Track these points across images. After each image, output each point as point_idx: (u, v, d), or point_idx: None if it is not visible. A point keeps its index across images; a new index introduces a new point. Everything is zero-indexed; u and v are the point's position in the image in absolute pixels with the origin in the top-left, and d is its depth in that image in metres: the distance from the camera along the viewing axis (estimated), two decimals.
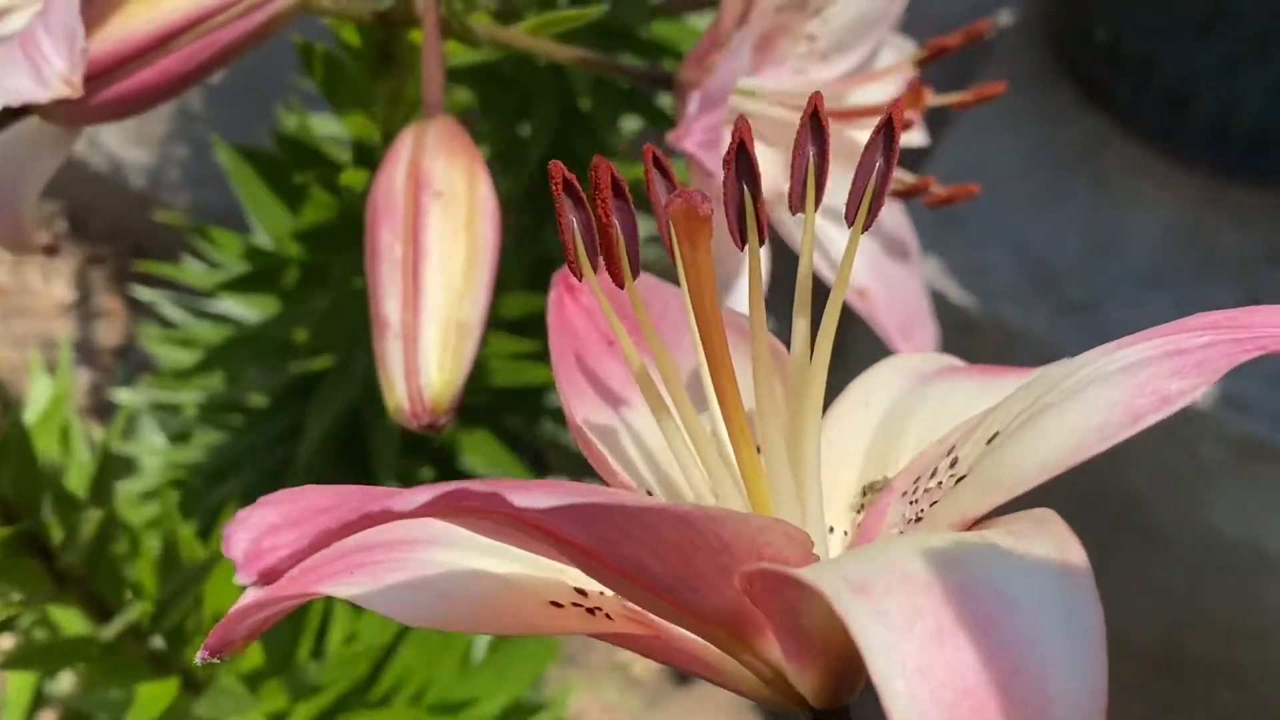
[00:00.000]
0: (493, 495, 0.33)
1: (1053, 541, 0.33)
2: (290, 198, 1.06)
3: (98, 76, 0.61)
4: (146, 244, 2.33)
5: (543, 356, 1.29)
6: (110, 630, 0.90)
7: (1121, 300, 1.73)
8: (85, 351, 2.26)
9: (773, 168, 0.72)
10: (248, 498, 1.42)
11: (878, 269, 0.73)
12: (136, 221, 2.28)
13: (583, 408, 0.49)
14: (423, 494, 0.33)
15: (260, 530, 0.35)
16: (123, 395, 1.65)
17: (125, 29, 0.61)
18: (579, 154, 1.26)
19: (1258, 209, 1.76)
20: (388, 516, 0.34)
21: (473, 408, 1.30)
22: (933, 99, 0.67)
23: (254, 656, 1.11)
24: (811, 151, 0.45)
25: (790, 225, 0.70)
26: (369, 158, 0.96)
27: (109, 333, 2.28)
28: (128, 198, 2.25)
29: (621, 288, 0.46)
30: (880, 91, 0.74)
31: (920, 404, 0.51)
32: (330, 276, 1.13)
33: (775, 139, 0.73)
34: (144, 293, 1.50)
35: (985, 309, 1.71)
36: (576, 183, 0.42)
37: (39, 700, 1.42)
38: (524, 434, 1.45)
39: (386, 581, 0.41)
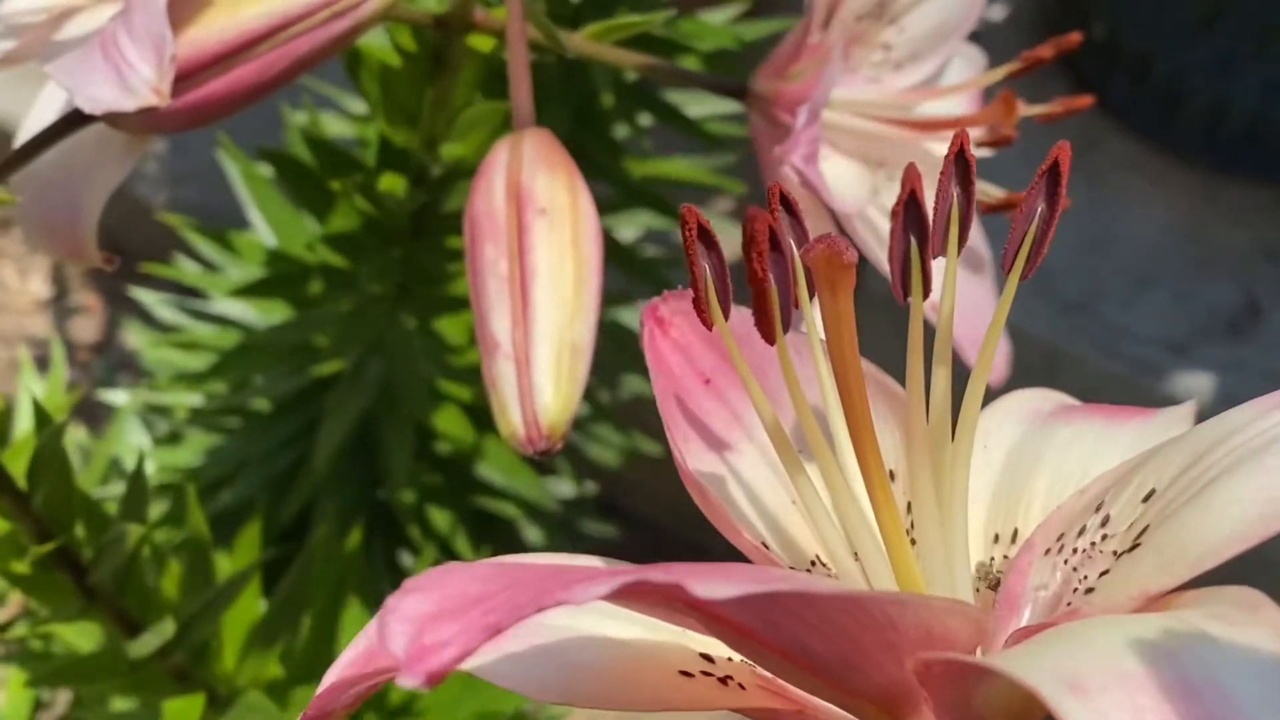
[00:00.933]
0: (675, 585, 0.31)
1: (1273, 633, 0.32)
2: (316, 202, 1.04)
3: (173, 83, 0.59)
4: (125, 240, 2.28)
5: None
6: (144, 647, 0.88)
7: (1118, 299, 1.73)
8: (62, 348, 2.21)
9: (845, 178, 0.71)
10: (252, 504, 1.39)
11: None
12: (114, 217, 2.24)
13: (691, 455, 0.47)
14: (600, 584, 0.31)
15: (418, 623, 0.32)
16: (116, 397, 1.62)
17: (203, 35, 0.59)
18: (591, 152, 1.24)
19: (1254, 206, 1.77)
20: (563, 603, 0.32)
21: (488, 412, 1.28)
22: (1024, 110, 0.66)
23: (275, 668, 1.09)
24: (956, 193, 0.43)
25: (871, 245, 0.69)
26: (401, 163, 0.94)
27: (86, 329, 2.23)
28: None
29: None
30: (953, 104, 0.73)
31: (1044, 448, 0.49)
32: (356, 282, 1.11)
33: (849, 149, 0.71)
34: (142, 294, 1.46)
35: None
36: (710, 228, 0.41)
37: (35, 713, 1.39)
38: None
39: (507, 650, 0.39)
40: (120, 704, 1.28)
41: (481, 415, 1.30)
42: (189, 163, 2.24)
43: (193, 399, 1.49)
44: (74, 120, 0.62)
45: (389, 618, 0.33)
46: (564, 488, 1.65)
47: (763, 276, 0.40)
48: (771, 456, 0.47)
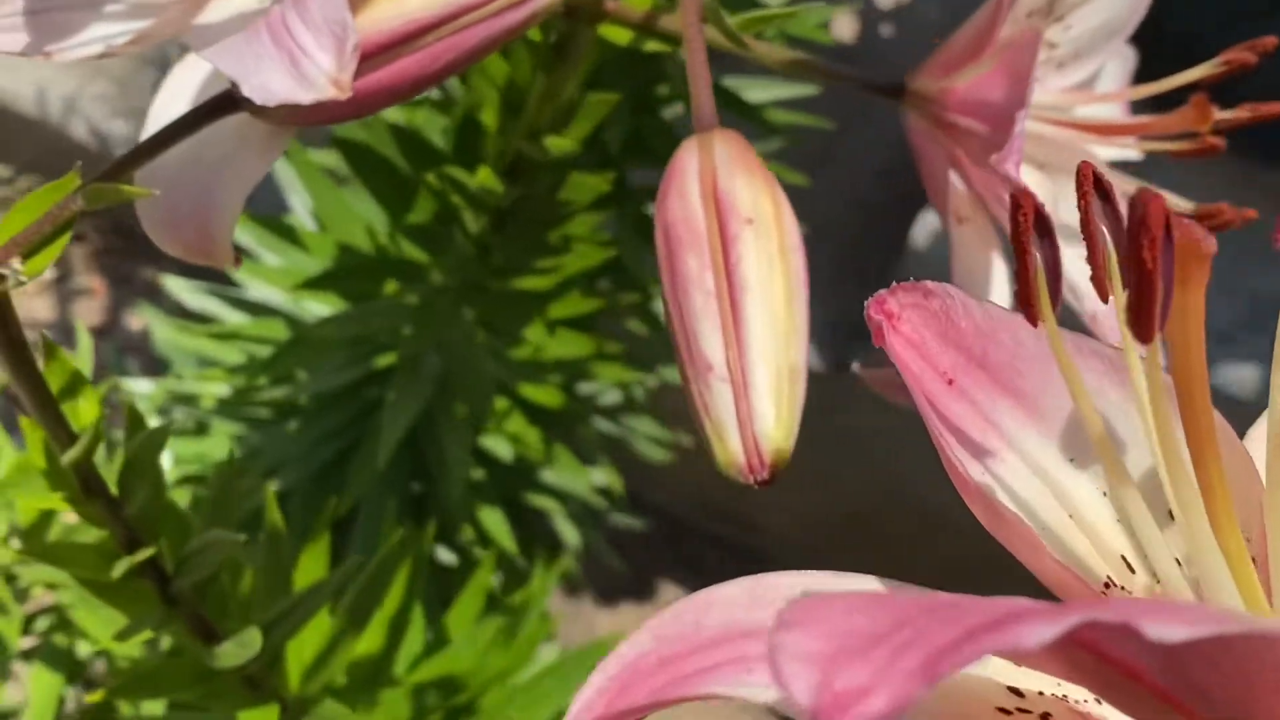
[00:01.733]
0: (1125, 626, 0.28)
1: None
2: (388, 191, 1.00)
3: None
4: (127, 220, 2.22)
5: (601, 356, 1.23)
6: (230, 658, 0.84)
7: None
8: (65, 331, 2.15)
9: (1030, 185, 0.67)
10: (291, 498, 1.34)
11: None
12: None
13: (966, 463, 0.44)
14: (1048, 625, 0.28)
15: (820, 667, 0.29)
16: (140, 386, 1.57)
17: (368, 24, 0.55)
18: (648, 138, 1.20)
19: None
20: (1008, 647, 0.29)
21: (557, 415, 1.24)
22: (1218, 115, 0.63)
23: (341, 674, 1.06)
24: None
25: None
26: (498, 153, 0.90)
27: (89, 312, 2.18)
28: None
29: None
30: (1109, 109, 0.71)
31: None
32: (424, 275, 1.07)
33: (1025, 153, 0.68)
34: (174, 283, 1.42)
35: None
36: (1047, 214, 0.37)
37: (60, 708, 1.34)
38: (583, 434, 1.40)
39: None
40: (152, 707, 1.25)
41: (538, 412, 1.27)
42: None
43: (220, 389, 1.45)
44: (212, 110, 0.58)
45: (784, 660, 0.29)
46: (595, 478, 1.62)
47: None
48: (1038, 464, 0.44)
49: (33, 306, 2.17)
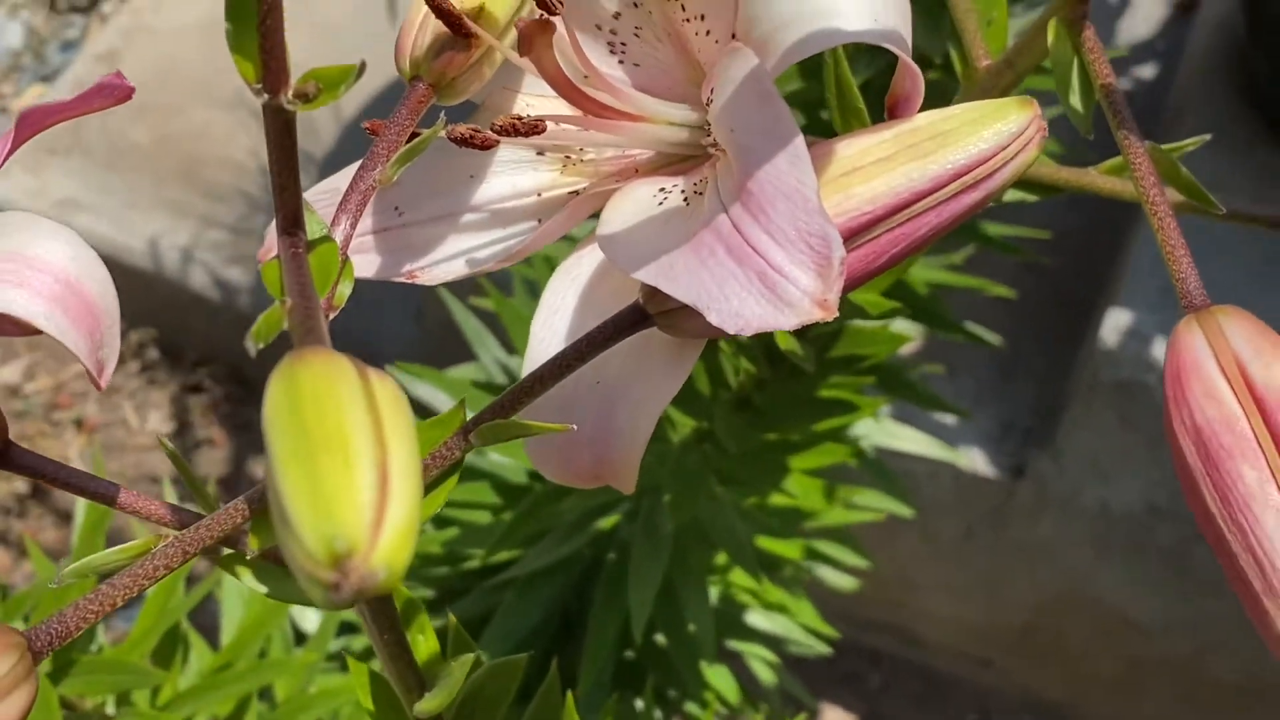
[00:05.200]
0: None
1: None
2: None
3: None
4: (244, 368, 2.17)
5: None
6: None
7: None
8: (186, 485, 2.09)
9: None
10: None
11: None
12: (236, 346, 2.13)
13: None
14: None
15: None
16: None
17: None
18: None
19: None
20: None
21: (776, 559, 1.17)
22: None
23: None
24: None
25: None
26: None
27: (211, 463, 2.12)
28: (226, 321, 2.10)
29: None
30: None
31: None
32: (664, 435, 1.00)
33: None
34: None
35: None
36: None
37: None
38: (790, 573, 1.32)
39: None
40: None
41: (763, 559, 1.20)
42: None
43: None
44: (622, 327, 0.52)
45: None
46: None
47: None
48: None
49: (152, 461, 2.11)
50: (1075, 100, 0.55)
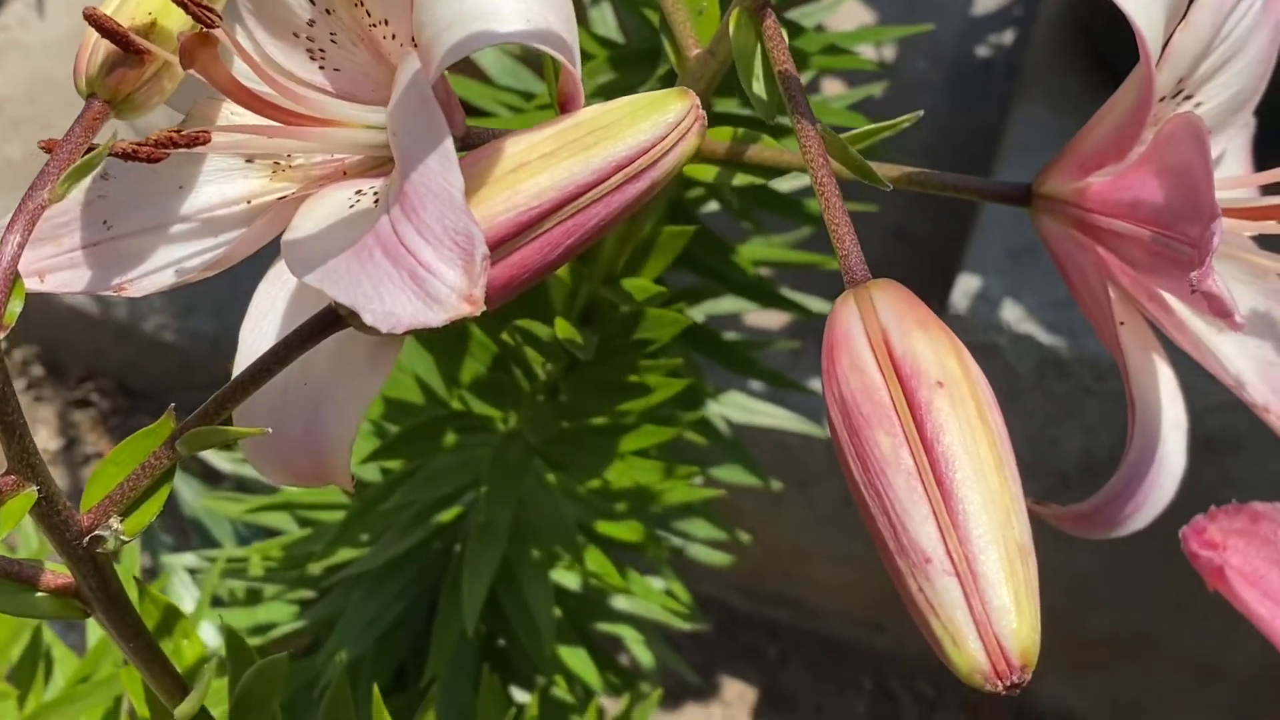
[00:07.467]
0: None
1: None
2: (441, 343, 0.95)
3: None
4: (131, 381, 2.16)
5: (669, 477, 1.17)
6: None
7: None
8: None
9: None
10: (359, 667, 1.28)
11: (1273, 382, 0.64)
12: (119, 358, 2.12)
13: None
14: None
15: None
16: (184, 560, 1.51)
17: (480, 219, 0.50)
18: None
19: None
20: None
21: (629, 543, 1.18)
22: None
23: None
24: None
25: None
26: (569, 302, 0.85)
27: None
28: (108, 332, 2.09)
29: None
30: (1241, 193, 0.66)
31: None
32: (489, 427, 1.01)
33: None
34: (222, 458, 1.36)
35: (1074, 347, 1.63)
36: None
37: None
38: (651, 553, 1.34)
39: None
40: None
41: (609, 545, 1.21)
42: (197, 293, 2.13)
43: (268, 555, 1.38)
44: (315, 330, 0.53)
45: None
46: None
47: None
48: None
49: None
50: (759, 87, 0.57)
